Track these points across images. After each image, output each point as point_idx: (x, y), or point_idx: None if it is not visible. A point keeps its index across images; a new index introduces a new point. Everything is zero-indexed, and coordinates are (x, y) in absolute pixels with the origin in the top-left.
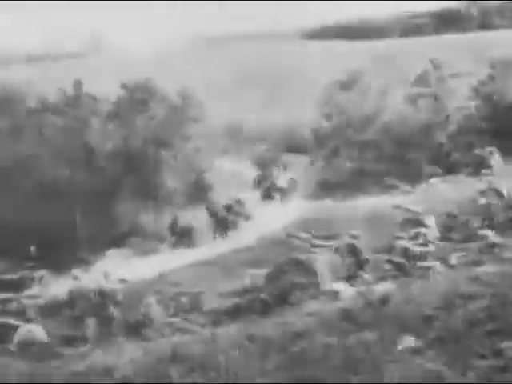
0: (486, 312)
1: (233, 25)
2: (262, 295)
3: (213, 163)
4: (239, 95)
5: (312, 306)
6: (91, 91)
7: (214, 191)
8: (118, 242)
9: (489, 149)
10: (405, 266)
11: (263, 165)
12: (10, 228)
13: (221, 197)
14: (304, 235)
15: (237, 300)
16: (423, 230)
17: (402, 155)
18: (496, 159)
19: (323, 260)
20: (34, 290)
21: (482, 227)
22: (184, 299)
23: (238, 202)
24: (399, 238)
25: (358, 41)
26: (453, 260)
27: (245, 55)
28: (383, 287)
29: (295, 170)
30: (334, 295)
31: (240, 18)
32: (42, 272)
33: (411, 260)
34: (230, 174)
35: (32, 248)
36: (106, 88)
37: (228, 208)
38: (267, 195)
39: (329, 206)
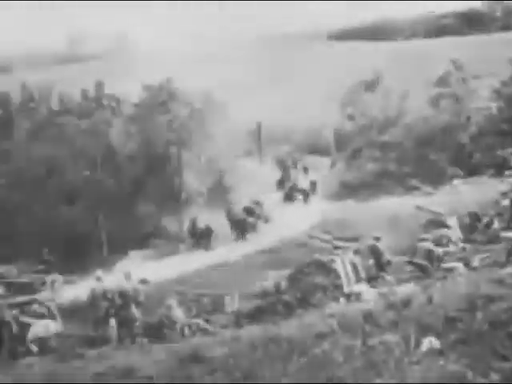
0: (509, 313)
1: (257, 25)
2: (284, 297)
3: (235, 164)
4: (263, 96)
5: (334, 307)
6: (113, 92)
7: (236, 193)
8: (140, 243)
9: (511, 150)
10: (427, 268)
11: (285, 166)
12: (31, 230)
13: (242, 198)
14: (326, 237)
15: (259, 301)
16: (446, 231)
17: (425, 156)
18: None
19: (345, 261)
20: (46, 293)
21: (504, 229)
22: (206, 300)
23: (258, 203)
24: (422, 239)
25: (382, 41)
26: (475, 262)
27: (269, 56)
28: (405, 289)
29: (317, 172)
30: (356, 297)
31: (265, 18)
32: (54, 276)
33: (434, 261)
34: (252, 176)
35: (44, 251)
36: (128, 89)
37: (247, 210)
38: (289, 197)
39: (351, 207)
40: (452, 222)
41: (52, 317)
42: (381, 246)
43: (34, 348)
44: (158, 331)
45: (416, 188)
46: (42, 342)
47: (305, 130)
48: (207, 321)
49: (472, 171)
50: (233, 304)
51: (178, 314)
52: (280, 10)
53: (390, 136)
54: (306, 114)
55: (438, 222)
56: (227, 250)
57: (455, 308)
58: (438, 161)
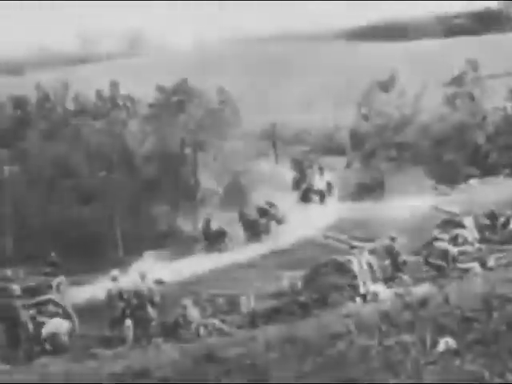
0: None
1: (274, 25)
2: (300, 297)
3: (250, 165)
4: (278, 96)
5: (350, 307)
6: (129, 92)
7: (251, 193)
8: (155, 243)
9: None
10: (443, 268)
11: (301, 167)
12: (46, 230)
13: (257, 199)
14: (342, 237)
15: (274, 302)
16: (462, 231)
17: (440, 156)
18: None
19: (361, 262)
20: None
21: None
22: (221, 301)
23: (272, 205)
24: (437, 239)
25: (397, 41)
26: (491, 262)
27: (285, 55)
28: (422, 289)
29: (333, 172)
30: (373, 297)
31: (280, 18)
32: (60, 278)
33: (450, 261)
34: (268, 176)
35: (51, 254)
36: (143, 89)
37: (260, 212)
38: (305, 197)
39: (366, 207)
40: (468, 221)
41: (67, 316)
42: (397, 246)
43: (48, 346)
44: (173, 331)
45: (432, 188)
46: (54, 338)
47: (319, 131)
48: (223, 321)
49: (488, 171)
50: (248, 304)
51: (194, 313)
52: (292, 9)
53: (405, 136)
54: (320, 115)
55: (453, 222)
56: (242, 251)
57: (471, 308)
58: (453, 161)
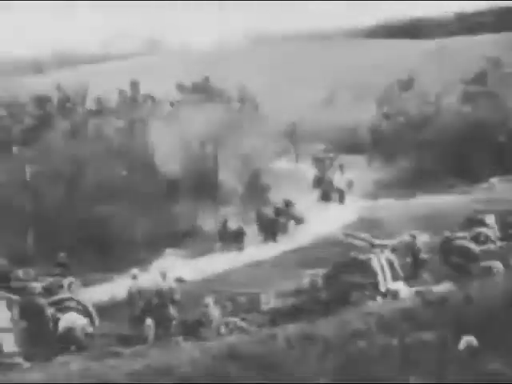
0: None
1: (292, 23)
2: (321, 295)
3: (270, 163)
4: (298, 94)
5: (371, 305)
6: (150, 91)
7: (272, 192)
8: (176, 241)
9: None
10: (465, 266)
11: (322, 165)
12: (68, 229)
13: (277, 198)
14: (362, 235)
15: (295, 300)
16: (483, 229)
17: (461, 154)
18: None
19: (382, 260)
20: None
21: None
22: (242, 299)
23: (290, 204)
24: (459, 237)
25: (418, 39)
26: None
27: (303, 54)
28: (443, 287)
29: (353, 170)
30: (393, 295)
31: (297, 16)
32: (71, 279)
33: (471, 260)
34: (288, 175)
35: (61, 255)
36: (164, 88)
37: (277, 211)
38: (325, 196)
39: (387, 205)
40: (490, 220)
41: (87, 315)
42: (418, 244)
43: (64, 341)
44: (194, 330)
45: (453, 186)
46: (69, 333)
47: (339, 129)
48: (243, 319)
49: (509, 169)
50: (269, 302)
51: (215, 312)
52: (308, 7)
53: (426, 134)
54: (341, 113)
55: (475, 221)
56: (263, 249)
57: (493, 306)
58: (475, 159)
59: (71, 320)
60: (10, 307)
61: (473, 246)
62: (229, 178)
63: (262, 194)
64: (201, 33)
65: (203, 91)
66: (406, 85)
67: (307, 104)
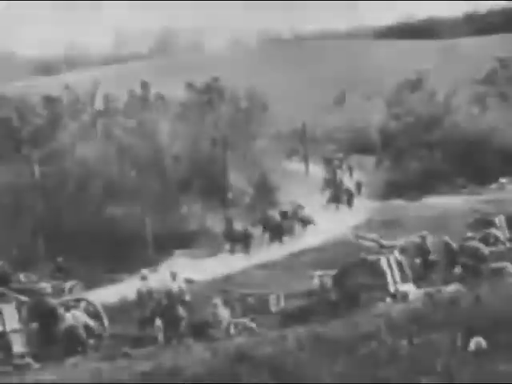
0: None
1: (301, 25)
2: (330, 296)
3: (279, 164)
4: (307, 95)
5: (380, 307)
6: (160, 92)
7: (280, 193)
8: (185, 242)
9: None
10: (474, 267)
11: (331, 166)
12: (77, 230)
13: (286, 199)
14: (371, 236)
15: (305, 301)
16: (493, 230)
17: (471, 155)
18: None
19: (391, 261)
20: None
21: None
22: (251, 300)
23: (299, 206)
24: (469, 238)
25: (428, 40)
26: None
27: (313, 55)
28: (452, 288)
29: (363, 171)
30: (403, 296)
31: (308, 17)
32: (72, 282)
33: (481, 261)
34: (297, 176)
35: (59, 259)
36: (175, 88)
37: (283, 214)
38: (335, 197)
39: (396, 206)
40: (500, 221)
41: (97, 316)
42: (427, 245)
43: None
44: (203, 330)
45: (463, 187)
46: (72, 331)
47: (348, 130)
48: (253, 320)
49: None
50: (278, 304)
51: (224, 313)
52: (320, 8)
53: (436, 135)
54: (350, 114)
55: (485, 222)
56: (272, 250)
57: (503, 308)
58: (484, 159)
59: (74, 318)
60: (18, 308)
61: (482, 246)
62: (238, 179)
63: (270, 195)
64: (214, 34)
65: (213, 91)
66: (416, 85)
67: (317, 104)
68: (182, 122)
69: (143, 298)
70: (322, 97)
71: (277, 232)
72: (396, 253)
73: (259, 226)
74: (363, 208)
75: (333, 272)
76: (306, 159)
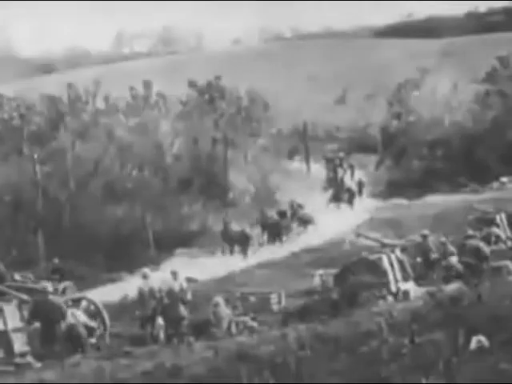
0: None
1: (304, 23)
2: (331, 295)
3: (281, 164)
4: (309, 94)
5: (381, 306)
6: (162, 91)
7: (281, 193)
8: (186, 241)
9: None
10: (475, 266)
11: (332, 165)
12: (78, 229)
13: (287, 199)
14: (373, 235)
15: (306, 300)
16: (494, 229)
17: (472, 154)
18: None
19: (392, 259)
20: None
21: None
22: (252, 299)
23: (300, 206)
24: (470, 237)
25: (429, 39)
26: None
27: (314, 54)
28: (454, 287)
29: (364, 170)
30: (404, 295)
31: (310, 16)
32: (66, 283)
33: (482, 260)
34: (298, 174)
35: (55, 261)
36: (176, 87)
37: (281, 214)
38: (336, 196)
39: (398, 205)
40: (501, 219)
41: (98, 315)
42: (429, 243)
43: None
44: (204, 329)
45: (464, 185)
46: (72, 329)
47: (350, 129)
48: (254, 319)
49: None
50: (279, 302)
51: (225, 311)
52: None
53: (437, 134)
54: (351, 113)
55: (486, 220)
56: (274, 249)
57: (504, 306)
58: (485, 158)
59: (73, 317)
60: (20, 307)
61: (483, 245)
62: (239, 178)
63: (271, 193)
64: (215, 32)
65: (215, 90)
66: (418, 83)
67: (318, 103)
68: (183, 121)
69: (144, 296)
70: (323, 96)
71: (275, 232)
72: (397, 251)
73: (258, 226)
74: (364, 207)
75: (334, 271)
76: (307, 158)
